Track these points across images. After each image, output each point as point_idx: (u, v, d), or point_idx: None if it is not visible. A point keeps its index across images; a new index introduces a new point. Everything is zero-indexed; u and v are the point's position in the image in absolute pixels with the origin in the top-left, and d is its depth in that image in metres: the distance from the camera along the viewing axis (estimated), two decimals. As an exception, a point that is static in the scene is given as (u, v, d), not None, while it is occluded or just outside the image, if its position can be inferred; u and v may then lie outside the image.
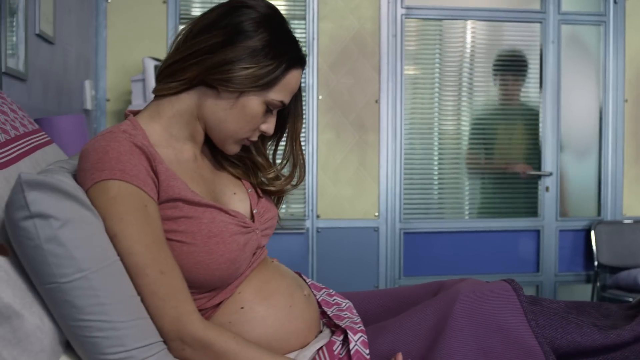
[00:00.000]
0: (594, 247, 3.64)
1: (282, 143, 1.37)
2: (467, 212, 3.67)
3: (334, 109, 3.48)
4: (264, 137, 1.34)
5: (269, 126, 1.25)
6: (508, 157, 3.67)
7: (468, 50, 3.63)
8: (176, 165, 1.19)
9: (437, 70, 3.60)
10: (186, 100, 1.21)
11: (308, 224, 3.45)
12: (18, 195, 0.97)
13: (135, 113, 1.25)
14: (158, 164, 1.14)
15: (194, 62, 1.16)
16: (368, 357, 1.17)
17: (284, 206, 3.43)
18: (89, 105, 3.02)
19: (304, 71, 1.27)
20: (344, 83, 3.48)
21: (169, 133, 1.21)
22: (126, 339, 1.00)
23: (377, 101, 3.50)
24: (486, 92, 3.65)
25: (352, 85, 3.49)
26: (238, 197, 1.29)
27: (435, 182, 3.65)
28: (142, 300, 1.06)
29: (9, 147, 1.22)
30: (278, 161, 1.38)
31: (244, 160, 1.35)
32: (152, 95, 1.25)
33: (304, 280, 1.36)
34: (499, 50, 3.64)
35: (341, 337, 1.22)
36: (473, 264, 3.62)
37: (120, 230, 1.06)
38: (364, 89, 3.50)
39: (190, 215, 1.14)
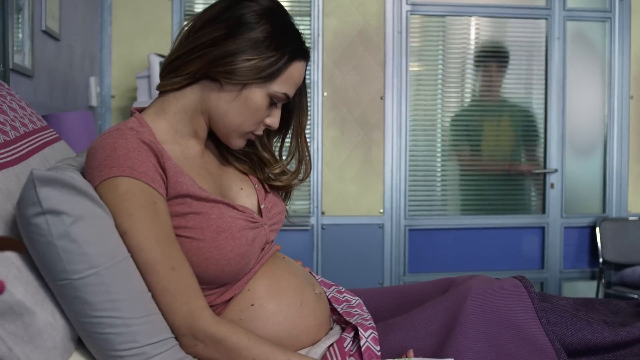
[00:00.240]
0: (599, 244, 3.63)
1: (288, 138, 1.37)
2: (471, 209, 3.67)
3: (339, 105, 3.47)
4: (269, 132, 1.34)
5: (273, 120, 1.25)
6: (508, 154, 3.67)
7: (472, 47, 3.62)
8: (183, 161, 1.19)
9: (440, 67, 3.60)
10: (190, 95, 1.21)
11: (313, 220, 3.45)
12: (30, 192, 0.97)
13: (141, 110, 1.25)
14: (166, 160, 1.14)
15: (196, 56, 1.17)
16: (379, 353, 1.17)
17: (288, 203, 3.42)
18: (94, 102, 3.02)
19: (308, 66, 1.27)
20: (349, 80, 3.48)
21: (174, 129, 1.21)
22: (138, 335, 1.00)
23: (382, 98, 3.50)
24: (489, 87, 3.65)
25: (357, 81, 3.48)
26: (245, 193, 1.29)
27: (440, 179, 3.65)
28: (153, 297, 1.06)
29: (19, 143, 1.22)
30: (284, 157, 1.38)
31: (250, 156, 1.35)
32: (157, 92, 1.25)
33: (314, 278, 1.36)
34: (481, 43, 3.62)
35: (351, 334, 1.21)
36: (478, 260, 3.62)
37: (130, 226, 1.06)
38: (369, 85, 3.49)
39: (198, 211, 1.14)
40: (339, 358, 1.17)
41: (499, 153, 3.67)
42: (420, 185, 3.58)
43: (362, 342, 1.18)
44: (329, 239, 3.46)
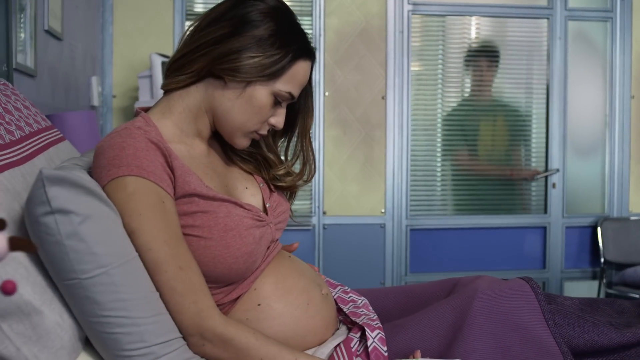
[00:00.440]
0: (600, 244, 3.64)
1: (293, 140, 1.37)
2: (473, 209, 3.67)
3: (340, 105, 3.47)
4: (275, 133, 1.34)
5: (278, 119, 1.24)
6: (507, 154, 3.66)
7: (474, 47, 3.62)
8: (189, 160, 1.19)
9: (440, 67, 3.60)
10: (195, 94, 1.21)
11: (314, 220, 3.45)
12: (39, 191, 0.97)
13: (146, 110, 1.25)
14: (173, 159, 1.14)
15: (201, 54, 1.17)
16: (386, 354, 1.17)
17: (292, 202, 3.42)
18: (95, 101, 3.01)
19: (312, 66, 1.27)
20: (351, 79, 3.48)
21: (179, 129, 1.21)
22: (147, 335, 0.99)
23: (384, 97, 3.49)
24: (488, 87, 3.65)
25: (359, 81, 3.48)
26: (250, 192, 1.29)
27: (441, 179, 3.65)
28: (161, 296, 1.05)
29: (24, 143, 1.22)
30: (290, 158, 1.38)
31: (255, 156, 1.35)
32: (159, 92, 1.25)
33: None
34: (470, 42, 3.62)
35: (358, 334, 1.21)
36: (479, 260, 3.62)
37: (138, 226, 1.06)
38: (370, 85, 3.49)
39: (206, 210, 1.14)
40: (346, 358, 1.17)
41: (499, 153, 3.67)
42: (421, 185, 3.58)
43: (369, 343, 1.17)
44: (331, 238, 3.46)
